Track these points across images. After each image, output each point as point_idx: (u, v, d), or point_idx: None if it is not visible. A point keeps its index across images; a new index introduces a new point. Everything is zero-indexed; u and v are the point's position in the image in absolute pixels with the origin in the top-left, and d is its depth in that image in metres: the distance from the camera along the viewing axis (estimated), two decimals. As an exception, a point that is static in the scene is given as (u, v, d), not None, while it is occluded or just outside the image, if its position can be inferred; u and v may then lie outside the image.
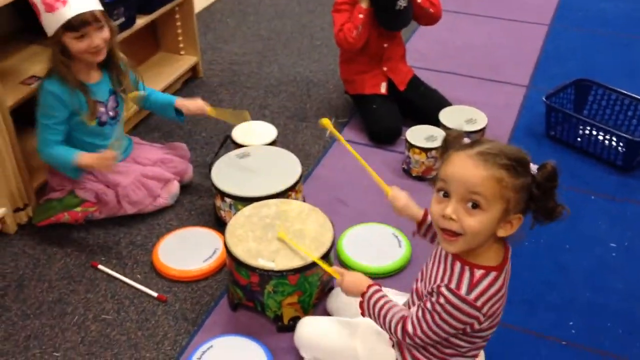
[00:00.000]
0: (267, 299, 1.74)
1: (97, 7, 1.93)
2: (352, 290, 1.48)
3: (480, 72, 3.10)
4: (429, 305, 1.29)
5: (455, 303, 1.25)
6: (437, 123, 2.46)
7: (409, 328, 1.32)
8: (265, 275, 1.69)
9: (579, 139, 2.51)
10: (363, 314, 1.44)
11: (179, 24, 2.92)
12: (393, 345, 1.49)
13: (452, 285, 1.25)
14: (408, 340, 1.34)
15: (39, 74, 2.13)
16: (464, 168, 1.21)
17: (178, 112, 2.21)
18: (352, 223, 2.13)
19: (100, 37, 1.93)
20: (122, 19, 2.40)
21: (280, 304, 1.75)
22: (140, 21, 2.55)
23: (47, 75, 1.97)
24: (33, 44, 2.32)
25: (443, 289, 1.26)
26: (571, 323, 1.83)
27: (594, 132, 2.46)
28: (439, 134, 2.39)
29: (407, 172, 2.42)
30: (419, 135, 2.37)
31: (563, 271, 2.00)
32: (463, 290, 1.24)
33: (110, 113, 2.08)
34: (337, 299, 1.76)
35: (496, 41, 3.40)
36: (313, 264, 1.70)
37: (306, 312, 1.79)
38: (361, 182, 2.37)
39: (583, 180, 2.38)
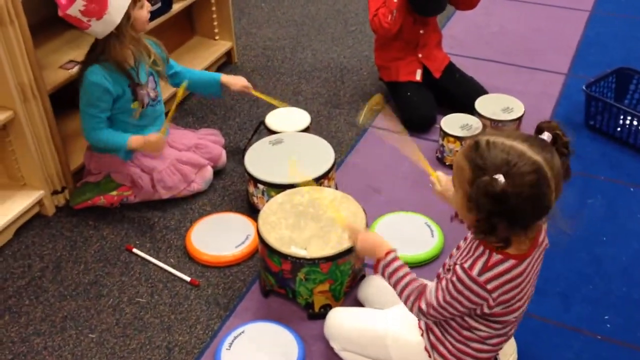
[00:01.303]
0: (299, 287, 1.75)
1: None
2: (366, 251, 1.52)
3: (518, 59, 3.04)
4: (443, 281, 1.32)
5: (465, 281, 1.28)
6: (472, 111, 2.43)
7: (423, 304, 1.35)
8: (298, 262, 1.70)
9: (619, 129, 2.45)
10: (376, 272, 1.48)
11: (214, 9, 2.93)
12: (422, 335, 1.49)
13: (467, 265, 1.28)
14: (420, 314, 1.37)
15: (77, 59, 2.16)
16: (461, 148, 1.29)
17: (221, 88, 2.32)
18: (385, 211, 2.12)
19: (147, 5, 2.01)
20: (159, 4, 2.41)
21: (312, 292, 1.75)
22: (177, 6, 2.57)
23: (87, 64, 1.98)
24: (70, 29, 2.34)
25: (457, 267, 1.29)
26: (606, 317, 1.80)
27: (635, 123, 2.40)
28: (474, 122, 2.35)
29: (440, 160, 2.39)
30: (454, 123, 2.34)
31: (599, 264, 1.97)
32: (475, 271, 1.27)
33: (151, 94, 2.11)
34: (369, 287, 1.76)
35: (534, 27, 3.33)
36: (345, 252, 1.70)
37: (337, 300, 1.79)
38: (394, 170, 2.36)
39: (623, 172, 2.32)
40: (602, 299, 1.85)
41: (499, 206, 1.17)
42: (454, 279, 1.29)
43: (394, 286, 1.42)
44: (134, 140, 2.02)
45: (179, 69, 2.26)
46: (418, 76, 2.61)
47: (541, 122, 1.26)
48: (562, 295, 1.86)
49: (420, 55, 2.61)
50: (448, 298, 1.31)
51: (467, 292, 1.28)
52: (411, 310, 1.39)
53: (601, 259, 1.98)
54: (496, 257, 1.27)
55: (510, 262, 1.27)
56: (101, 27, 1.89)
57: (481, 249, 1.29)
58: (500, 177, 1.15)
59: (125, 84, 2.00)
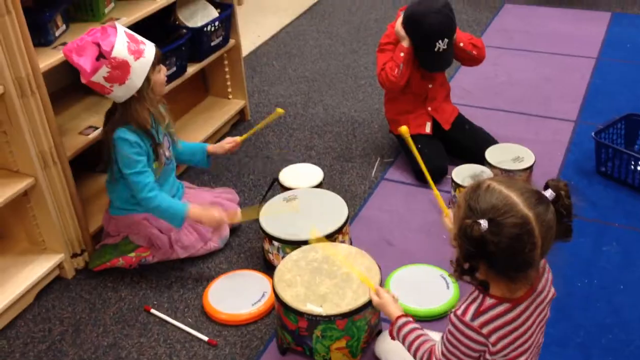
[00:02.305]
0: (316, 344, 1.75)
1: None
2: (382, 309, 1.60)
3: (527, 108, 3.08)
4: (445, 332, 1.34)
5: (460, 328, 1.30)
6: (483, 162, 2.45)
7: (433, 358, 1.38)
8: (314, 320, 1.71)
9: (630, 175, 2.45)
10: (392, 339, 1.53)
11: (227, 69, 3.02)
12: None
13: (459, 312, 1.30)
14: None
15: (96, 124, 2.23)
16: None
17: (207, 157, 2.33)
18: (400, 264, 2.13)
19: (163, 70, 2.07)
20: (174, 69, 2.49)
21: (329, 349, 1.75)
22: (191, 69, 2.65)
23: (112, 128, 2.01)
24: (89, 95, 2.43)
25: (451, 316, 1.32)
26: (628, 368, 1.78)
27: (647, 168, 2.41)
28: (486, 172, 2.38)
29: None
30: (465, 174, 2.36)
31: (618, 313, 1.95)
32: (468, 316, 1.29)
33: (167, 154, 2.16)
34: (385, 343, 1.76)
35: (542, 76, 3.38)
36: (361, 308, 1.71)
37: (354, 356, 1.79)
38: (408, 222, 2.37)
39: (637, 218, 2.32)
40: (622, 349, 1.83)
41: (476, 249, 1.20)
42: (451, 327, 1.32)
43: (408, 349, 1.47)
44: (195, 210, 2.05)
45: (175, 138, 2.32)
46: (428, 129, 2.65)
47: (550, 179, 1.28)
48: (582, 347, 1.84)
49: (429, 109, 2.66)
50: (451, 348, 1.33)
51: (464, 340, 1.30)
52: None
53: (620, 308, 1.97)
54: (489, 301, 1.28)
55: (504, 306, 1.28)
56: (123, 92, 1.95)
57: (475, 293, 1.31)
58: (484, 223, 1.18)
59: (149, 144, 2.06)
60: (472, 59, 2.61)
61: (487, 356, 1.31)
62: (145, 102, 2.00)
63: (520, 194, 1.20)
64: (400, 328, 1.50)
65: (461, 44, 2.52)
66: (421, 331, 1.48)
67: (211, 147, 2.33)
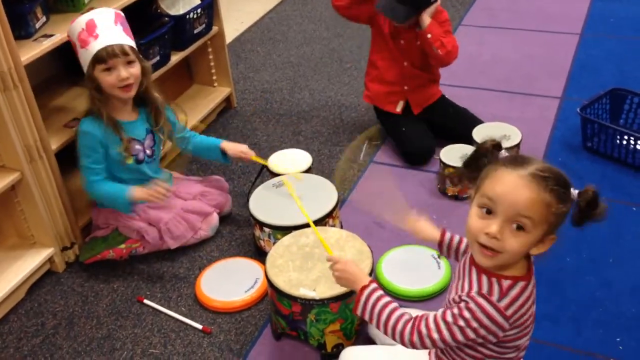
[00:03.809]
0: (310, 328, 1.76)
1: (127, 42, 2.00)
2: (344, 280, 1.48)
3: (512, 86, 3.09)
4: (455, 310, 1.27)
5: (486, 309, 1.24)
6: (470, 142, 2.46)
7: (423, 328, 1.29)
8: (307, 304, 1.71)
9: (616, 150, 2.47)
10: (356, 309, 1.39)
11: (211, 57, 3.00)
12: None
13: (484, 291, 1.25)
14: (416, 339, 1.30)
15: (80, 117, 2.21)
16: (516, 190, 1.18)
17: (223, 154, 2.30)
18: (391, 246, 2.14)
19: (128, 71, 1.99)
20: (157, 58, 2.47)
21: (323, 332, 1.76)
22: (175, 58, 2.63)
23: (84, 116, 2.06)
24: (75, 85, 2.41)
25: (475, 295, 1.25)
26: (618, 339, 1.80)
27: (632, 142, 2.43)
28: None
29: (442, 192, 2.42)
30: (453, 154, 2.37)
31: (608, 286, 1.97)
32: (495, 297, 1.24)
33: (147, 151, 2.15)
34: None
35: (526, 53, 3.38)
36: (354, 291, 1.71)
37: (349, 339, 1.80)
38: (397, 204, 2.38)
39: (624, 192, 2.34)
40: (613, 322, 1.85)
41: (582, 215, 1.22)
42: (473, 306, 1.24)
43: (380, 313, 1.35)
44: (137, 191, 2.03)
45: (188, 135, 2.32)
46: (399, 108, 2.64)
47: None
48: (574, 320, 1.86)
49: (405, 87, 2.65)
50: (462, 325, 1.25)
51: (485, 320, 1.24)
52: (402, 332, 1.31)
53: (610, 281, 1.99)
54: (506, 282, 1.26)
55: (521, 284, 1.26)
56: (81, 61, 2.00)
57: (485, 277, 1.27)
58: (574, 190, 1.21)
59: (117, 138, 2.05)
60: (436, 58, 2.51)
61: (500, 334, 1.26)
62: (101, 94, 2.01)
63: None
64: (372, 292, 1.38)
65: (429, 35, 2.43)
66: (391, 299, 1.39)
67: (224, 144, 2.29)
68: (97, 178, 2.06)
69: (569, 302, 1.92)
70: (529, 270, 1.30)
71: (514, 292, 1.26)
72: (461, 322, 1.26)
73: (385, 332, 1.35)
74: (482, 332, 1.26)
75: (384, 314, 1.34)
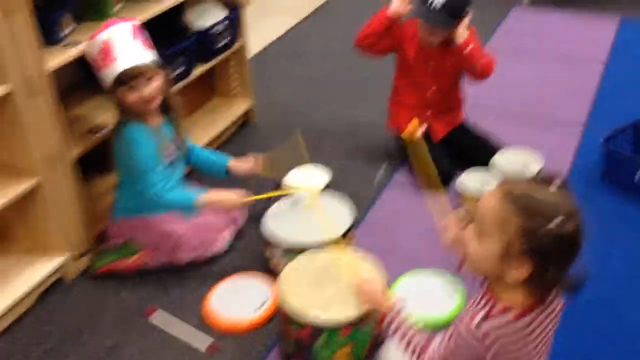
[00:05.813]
0: (320, 352, 1.73)
1: (147, 58, 1.99)
2: (367, 297, 1.64)
3: (534, 113, 3.06)
4: (450, 330, 1.34)
5: (462, 333, 1.29)
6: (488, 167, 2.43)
7: (430, 350, 1.39)
8: (317, 328, 1.69)
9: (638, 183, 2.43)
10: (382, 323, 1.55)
11: (233, 70, 3.00)
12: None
13: (469, 315, 1.29)
14: None
15: (103, 124, 2.22)
16: (487, 198, 1.27)
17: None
18: (405, 269, 2.11)
19: (150, 87, 2.00)
20: (182, 68, 2.48)
21: (333, 357, 1.73)
22: (198, 70, 2.63)
23: (119, 125, 2.05)
24: (96, 94, 2.41)
25: (458, 320, 1.32)
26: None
27: (656, 176, 2.38)
28: (493, 178, 2.35)
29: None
30: (473, 179, 2.34)
31: (623, 326, 1.92)
32: (476, 321, 1.27)
33: (174, 155, 2.16)
34: (390, 352, 1.74)
35: (550, 80, 3.35)
36: (366, 315, 1.69)
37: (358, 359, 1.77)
38: (414, 226, 2.35)
39: (645, 228, 2.30)
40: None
41: (557, 250, 1.20)
42: (454, 331, 1.31)
43: (405, 332, 1.48)
44: (209, 195, 2.06)
45: (190, 146, 2.31)
46: (419, 132, 2.61)
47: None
48: (587, 358, 1.82)
49: (428, 113, 2.63)
50: (452, 346, 1.33)
51: (464, 344, 1.29)
52: (414, 353, 1.44)
53: (625, 321, 1.94)
54: (499, 307, 1.26)
55: (512, 314, 1.26)
56: (102, 78, 2.00)
57: (486, 297, 1.30)
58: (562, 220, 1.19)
59: (157, 142, 2.06)
60: (473, 72, 2.50)
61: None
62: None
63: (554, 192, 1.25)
64: (398, 312, 1.52)
65: (471, 46, 2.42)
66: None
67: (231, 162, 2.28)
68: (159, 178, 2.03)
69: (584, 341, 1.87)
70: (531, 307, 1.27)
71: (501, 319, 1.26)
72: (451, 343, 1.33)
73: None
74: (467, 354, 1.31)
75: (407, 336, 1.48)
